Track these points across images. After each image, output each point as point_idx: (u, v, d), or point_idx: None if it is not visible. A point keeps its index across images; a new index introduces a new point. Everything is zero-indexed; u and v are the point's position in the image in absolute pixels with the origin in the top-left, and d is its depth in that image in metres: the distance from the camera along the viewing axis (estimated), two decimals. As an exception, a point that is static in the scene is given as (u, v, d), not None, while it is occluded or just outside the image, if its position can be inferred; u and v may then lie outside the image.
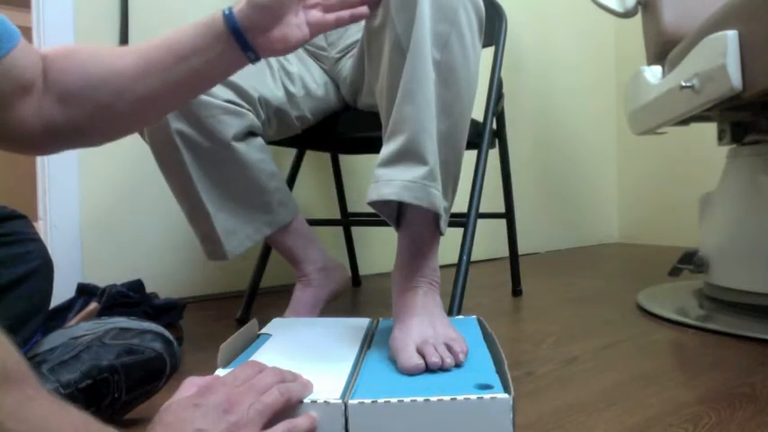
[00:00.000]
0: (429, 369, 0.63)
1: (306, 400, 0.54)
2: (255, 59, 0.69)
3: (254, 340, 0.77)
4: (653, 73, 1.36)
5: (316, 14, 0.70)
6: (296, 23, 0.69)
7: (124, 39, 1.43)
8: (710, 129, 1.37)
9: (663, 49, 1.35)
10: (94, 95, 0.65)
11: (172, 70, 0.66)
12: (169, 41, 0.67)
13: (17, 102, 0.63)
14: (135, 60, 0.66)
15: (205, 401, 0.48)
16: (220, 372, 0.64)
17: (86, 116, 0.66)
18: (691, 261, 1.33)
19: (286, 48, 0.69)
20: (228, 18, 0.66)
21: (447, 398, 0.54)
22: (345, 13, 0.72)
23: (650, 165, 2.65)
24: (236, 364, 0.66)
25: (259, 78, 1.05)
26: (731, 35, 0.98)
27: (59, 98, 0.65)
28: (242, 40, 0.66)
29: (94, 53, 0.68)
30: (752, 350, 0.98)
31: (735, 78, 0.96)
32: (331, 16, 0.71)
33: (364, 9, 0.73)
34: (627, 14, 1.48)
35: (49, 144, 0.68)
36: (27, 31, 1.40)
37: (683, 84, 1.09)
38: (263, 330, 0.82)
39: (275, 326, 0.85)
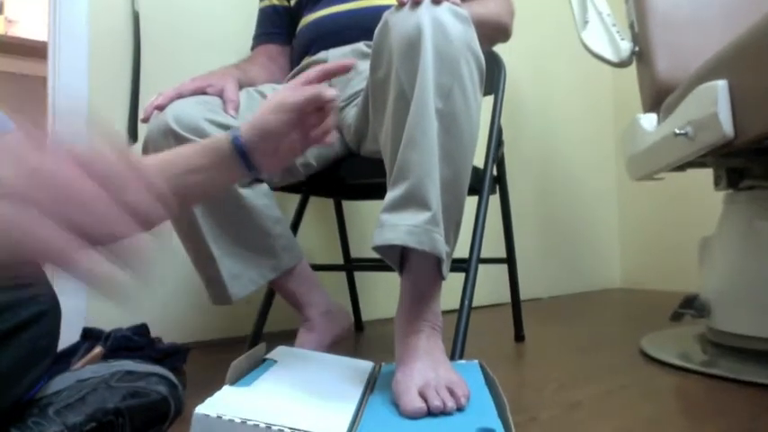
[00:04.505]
0: (431, 412, 0.64)
1: None
2: (257, 175, 0.75)
3: (261, 364, 0.78)
4: (648, 120, 1.39)
5: (310, 129, 0.77)
6: (290, 141, 0.75)
7: (135, 94, 1.48)
8: (707, 174, 1.40)
9: (657, 98, 1.38)
10: None
11: (177, 179, 0.69)
12: (177, 154, 0.72)
13: None
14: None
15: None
16: (227, 389, 0.65)
17: None
18: (692, 306, 1.33)
19: (280, 166, 0.77)
20: (235, 142, 0.71)
21: (450, 441, 0.54)
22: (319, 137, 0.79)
23: (651, 210, 2.67)
24: (243, 384, 0.67)
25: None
26: (721, 85, 1.01)
27: None
28: (246, 161, 0.72)
29: None
30: (756, 395, 0.98)
31: (726, 126, 0.99)
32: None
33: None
34: (622, 64, 1.52)
35: None
36: (42, 81, 1.45)
37: (677, 131, 1.11)
38: (269, 356, 0.82)
39: (280, 353, 0.85)
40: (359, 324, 1.76)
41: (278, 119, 0.72)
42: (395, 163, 0.77)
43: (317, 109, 0.77)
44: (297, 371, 0.77)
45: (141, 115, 1.20)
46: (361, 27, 1.18)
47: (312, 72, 0.77)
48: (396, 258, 0.80)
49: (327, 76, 0.79)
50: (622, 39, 1.52)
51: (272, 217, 1.06)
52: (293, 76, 1.28)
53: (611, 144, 2.82)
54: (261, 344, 0.80)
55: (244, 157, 0.71)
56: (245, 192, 1.02)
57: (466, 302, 1.11)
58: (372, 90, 0.88)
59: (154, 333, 1.26)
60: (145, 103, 1.18)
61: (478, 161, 1.03)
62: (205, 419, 0.55)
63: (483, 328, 1.73)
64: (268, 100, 0.75)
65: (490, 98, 1.38)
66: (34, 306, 0.70)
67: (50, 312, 0.72)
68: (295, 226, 1.50)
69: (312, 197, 1.57)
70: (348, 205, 1.81)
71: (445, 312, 0.84)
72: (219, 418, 0.55)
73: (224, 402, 0.60)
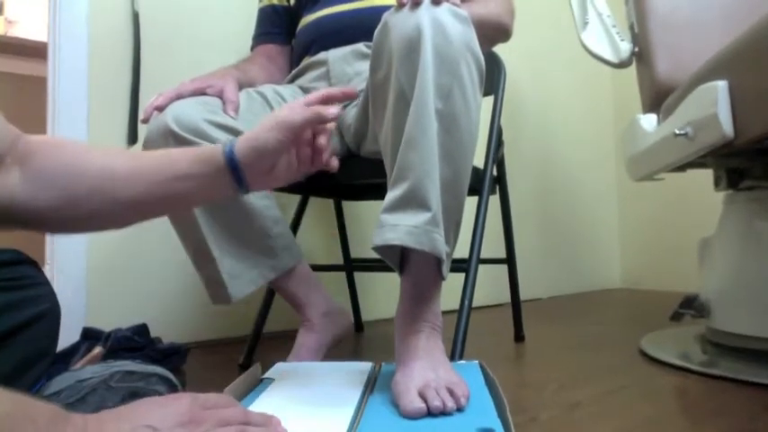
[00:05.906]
0: (431, 413, 0.64)
1: None
2: (245, 193, 0.73)
3: (257, 385, 0.78)
4: (648, 121, 1.39)
5: (307, 151, 0.77)
6: (287, 161, 0.74)
7: (135, 94, 1.48)
8: (707, 174, 1.40)
9: (657, 98, 1.38)
10: (74, 186, 0.66)
11: (161, 184, 0.68)
12: (167, 158, 0.70)
13: None
14: (128, 164, 0.68)
15: (168, 406, 0.50)
16: None
17: (56, 204, 0.65)
18: (692, 306, 1.33)
19: (275, 185, 0.76)
20: (229, 156, 0.69)
21: (449, 441, 0.54)
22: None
23: (651, 210, 2.67)
24: (242, 405, 0.67)
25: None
26: (721, 85, 1.01)
27: (35, 178, 0.65)
28: (237, 176, 0.70)
29: (86, 148, 0.70)
30: (755, 395, 0.98)
31: (726, 126, 0.99)
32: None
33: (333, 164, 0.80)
34: (622, 65, 1.52)
35: None
36: (42, 81, 1.45)
37: (677, 131, 1.11)
38: (266, 375, 0.83)
39: (278, 371, 0.86)
40: (359, 324, 1.76)
41: (275, 137, 0.70)
42: (395, 163, 0.77)
43: (317, 132, 0.76)
44: (294, 385, 0.77)
45: (141, 116, 1.21)
46: (361, 27, 1.18)
47: (315, 94, 0.76)
48: (396, 259, 0.80)
49: (330, 101, 0.77)
50: (622, 40, 1.52)
51: (271, 217, 1.06)
52: (293, 77, 1.29)
53: (610, 144, 2.82)
54: (255, 364, 0.80)
55: (235, 173, 0.70)
56: (244, 192, 1.02)
57: (466, 302, 1.11)
58: (372, 91, 0.88)
59: (154, 333, 1.26)
60: (145, 103, 1.18)
61: (478, 161, 1.03)
62: None
63: (483, 328, 1.73)
64: (268, 116, 0.73)
65: (490, 98, 1.38)
66: (34, 307, 0.70)
67: (50, 313, 0.72)
68: (295, 226, 1.50)
69: (312, 197, 1.57)
70: (348, 205, 1.81)
71: (445, 312, 0.84)
72: None
73: None
